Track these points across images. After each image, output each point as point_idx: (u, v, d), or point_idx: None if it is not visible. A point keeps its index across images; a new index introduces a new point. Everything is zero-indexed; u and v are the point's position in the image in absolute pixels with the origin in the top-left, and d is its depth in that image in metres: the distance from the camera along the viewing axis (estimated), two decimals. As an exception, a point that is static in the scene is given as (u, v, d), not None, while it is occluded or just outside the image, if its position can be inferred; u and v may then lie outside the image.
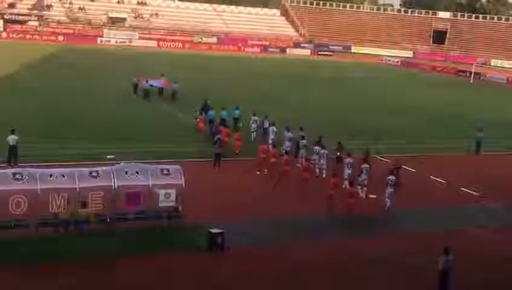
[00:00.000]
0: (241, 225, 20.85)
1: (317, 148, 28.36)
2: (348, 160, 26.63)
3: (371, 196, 23.65)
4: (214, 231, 18.83)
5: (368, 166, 25.56)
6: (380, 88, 66.10)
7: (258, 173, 27.67)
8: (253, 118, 35.35)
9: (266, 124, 34.57)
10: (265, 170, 27.68)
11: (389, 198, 23.62)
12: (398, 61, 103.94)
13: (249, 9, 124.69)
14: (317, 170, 27.95)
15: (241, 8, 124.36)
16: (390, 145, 35.14)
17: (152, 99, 45.83)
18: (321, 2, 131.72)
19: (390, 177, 24.11)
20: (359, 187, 24.78)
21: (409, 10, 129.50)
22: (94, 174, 19.64)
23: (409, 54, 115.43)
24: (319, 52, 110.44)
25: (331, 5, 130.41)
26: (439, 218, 23.61)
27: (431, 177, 29.21)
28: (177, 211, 20.47)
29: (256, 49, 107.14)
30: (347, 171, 26.18)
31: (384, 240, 20.82)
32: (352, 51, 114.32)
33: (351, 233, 21.40)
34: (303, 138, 29.92)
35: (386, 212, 23.41)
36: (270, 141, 30.86)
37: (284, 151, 28.62)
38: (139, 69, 57.16)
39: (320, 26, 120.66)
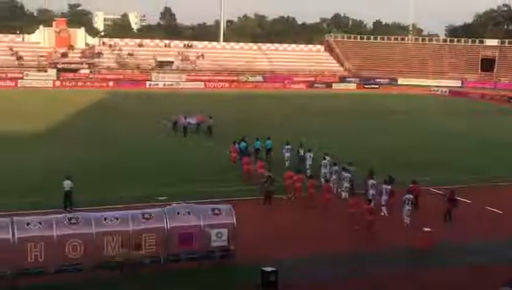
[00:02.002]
0: (295, 262, 20.69)
1: (371, 181, 28.48)
2: (371, 181, 27.95)
3: (426, 229, 23.18)
4: (267, 269, 18.73)
5: (389, 187, 27.20)
6: (429, 118, 65.23)
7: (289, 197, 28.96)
8: (286, 147, 36.61)
9: (301, 152, 35.67)
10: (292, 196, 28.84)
11: (407, 216, 25.44)
12: (446, 91, 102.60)
13: (293, 46, 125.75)
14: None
15: (285, 45, 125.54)
16: (446, 176, 34.54)
17: (192, 135, 47.32)
18: (365, 36, 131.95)
19: (407, 195, 25.80)
20: (383, 208, 26.81)
21: (455, 39, 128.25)
22: (147, 216, 19.91)
23: (457, 83, 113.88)
24: (365, 86, 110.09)
25: (375, 38, 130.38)
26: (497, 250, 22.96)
27: (487, 207, 28.50)
28: (230, 250, 20.49)
29: (301, 86, 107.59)
30: (371, 192, 27.63)
31: (449, 271, 20.33)
32: (399, 82, 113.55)
33: (409, 265, 20.98)
34: (346, 170, 30.03)
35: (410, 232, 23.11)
36: (307, 167, 32.91)
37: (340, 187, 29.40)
38: (186, 110, 58.04)
39: (365, 60, 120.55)
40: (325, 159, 31.81)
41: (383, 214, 26.90)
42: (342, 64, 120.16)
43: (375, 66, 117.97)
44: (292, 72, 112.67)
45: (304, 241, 23.24)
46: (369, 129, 54.75)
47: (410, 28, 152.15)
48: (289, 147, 36.69)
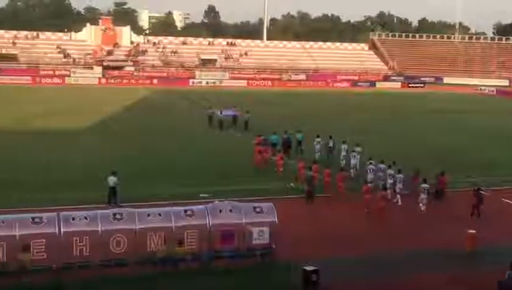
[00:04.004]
0: (336, 262, 20.56)
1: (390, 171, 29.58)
2: (400, 176, 29.01)
3: (470, 231, 22.73)
4: (308, 268, 18.65)
5: (401, 176, 28.77)
6: (477, 118, 63.95)
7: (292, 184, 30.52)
8: (317, 139, 38.06)
9: (331, 144, 37.40)
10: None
11: (422, 203, 27.13)
12: (493, 91, 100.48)
13: (337, 44, 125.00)
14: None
15: (329, 44, 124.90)
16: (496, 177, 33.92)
17: (227, 129, 48.72)
18: (410, 34, 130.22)
19: (424, 185, 27.41)
20: (398, 196, 28.42)
21: (503, 38, 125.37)
22: (189, 213, 20.06)
23: (505, 82, 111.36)
24: (410, 85, 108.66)
25: (420, 36, 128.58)
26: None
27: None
28: (271, 248, 20.48)
29: (345, 84, 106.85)
30: (398, 185, 28.84)
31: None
32: (444, 81, 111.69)
33: (455, 267, 20.62)
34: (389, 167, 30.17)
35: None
36: (341, 159, 35.14)
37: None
38: (222, 104, 58.57)
39: (410, 58, 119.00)
40: (371, 164, 31.30)
41: (395, 201, 28.31)
42: (386, 63, 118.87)
43: (420, 65, 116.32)
44: (335, 71, 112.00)
45: (346, 240, 23.07)
46: (415, 128, 54.07)
47: (457, 26, 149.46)
48: (319, 139, 38.11)
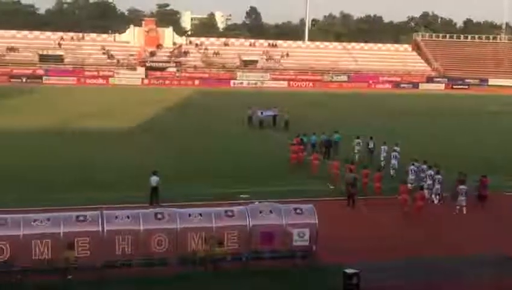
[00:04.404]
0: (377, 265, 20.35)
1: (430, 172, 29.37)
2: (439, 176, 28.70)
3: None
4: (349, 271, 18.52)
5: (440, 177, 28.60)
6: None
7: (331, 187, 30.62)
8: (356, 140, 38.01)
9: (371, 145, 37.40)
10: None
11: (461, 205, 26.87)
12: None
13: (379, 45, 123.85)
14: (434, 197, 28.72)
15: (371, 44, 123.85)
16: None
17: (267, 129, 49.45)
18: (454, 35, 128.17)
19: (462, 187, 27.14)
20: (436, 197, 28.47)
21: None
22: (229, 213, 20.16)
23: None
24: (454, 86, 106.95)
25: (465, 37, 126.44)
26: None
27: None
28: (311, 250, 20.41)
29: (387, 86, 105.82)
30: (436, 186, 28.65)
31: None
32: (489, 83, 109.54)
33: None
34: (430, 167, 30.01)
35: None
36: (381, 159, 35.35)
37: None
38: (261, 104, 58.78)
39: (454, 59, 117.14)
40: (413, 164, 31.03)
41: (433, 201, 28.29)
42: (429, 64, 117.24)
43: (465, 66, 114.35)
44: (377, 72, 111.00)
45: (385, 243, 22.81)
46: (462, 130, 53.24)
47: (503, 27, 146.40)
48: (359, 140, 38.08)
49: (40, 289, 17.95)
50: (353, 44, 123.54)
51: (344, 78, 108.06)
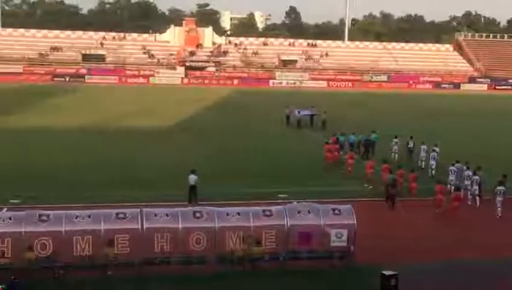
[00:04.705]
0: (416, 266, 20.14)
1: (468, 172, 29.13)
2: (476, 177, 28.38)
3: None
4: (387, 273, 18.36)
5: (477, 178, 28.18)
6: None
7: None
8: (394, 140, 37.82)
9: (411, 144, 37.29)
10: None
11: (498, 206, 26.35)
12: None
13: (420, 45, 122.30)
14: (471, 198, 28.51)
15: (412, 44, 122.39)
16: None
17: (304, 128, 49.82)
18: (498, 35, 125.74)
19: (500, 187, 26.53)
20: (476, 198, 28.09)
21: None
22: (267, 213, 20.19)
23: None
24: (497, 87, 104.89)
25: (509, 37, 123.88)
26: None
27: None
28: (349, 251, 20.31)
29: (427, 86, 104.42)
30: (474, 187, 28.30)
31: None
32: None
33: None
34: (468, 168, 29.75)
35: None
36: (422, 160, 35.10)
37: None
38: (299, 103, 58.77)
39: (497, 60, 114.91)
40: (453, 165, 30.69)
41: (470, 202, 28.10)
42: (471, 64, 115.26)
43: (509, 66, 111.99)
44: (418, 72, 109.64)
45: (423, 245, 22.55)
46: (504, 131, 52.24)
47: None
48: (397, 140, 37.81)
49: (81, 284, 18.29)
50: (393, 44, 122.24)
51: (384, 78, 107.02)
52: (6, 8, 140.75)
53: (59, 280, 18.45)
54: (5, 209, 23.32)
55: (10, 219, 18.83)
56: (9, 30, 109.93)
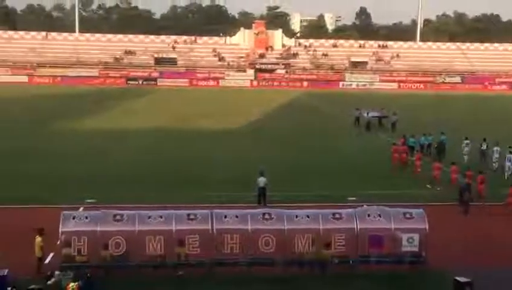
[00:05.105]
0: (490, 273, 19.51)
1: None
2: None
3: None
4: (461, 279, 17.88)
5: None
6: None
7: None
8: (465, 141, 37.02)
9: (484, 146, 36.39)
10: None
11: None
12: None
13: (496, 45, 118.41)
14: None
15: (487, 44, 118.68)
16: None
17: (374, 130, 49.50)
18: None
19: None
20: None
21: None
22: (337, 216, 20.05)
23: None
24: None
25: None
26: None
27: None
28: (421, 256, 19.91)
29: (504, 87, 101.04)
30: None
31: None
32: None
33: None
34: None
35: None
36: (494, 161, 34.40)
37: None
38: (368, 104, 58.09)
39: None
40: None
41: None
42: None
43: None
44: (493, 73, 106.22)
45: (498, 251, 21.83)
46: None
47: None
48: (467, 141, 37.11)
49: (153, 283, 18.68)
50: (468, 44, 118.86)
51: (457, 79, 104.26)
52: (84, 14, 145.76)
53: (133, 278, 18.90)
54: (82, 208, 24.17)
55: (86, 218, 19.48)
56: (87, 35, 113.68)
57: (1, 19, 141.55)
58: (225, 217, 19.76)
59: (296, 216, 19.97)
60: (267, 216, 19.85)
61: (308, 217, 19.99)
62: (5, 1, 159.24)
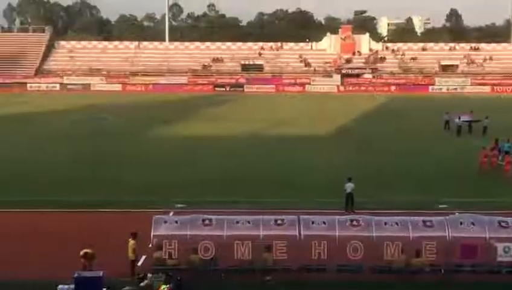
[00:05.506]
0: None
1: None
2: None
3: None
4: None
5: None
6: None
7: None
8: None
9: None
10: None
11: None
12: None
13: None
14: None
15: None
16: None
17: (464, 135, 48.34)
18: None
19: None
20: None
21: None
22: (428, 223, 19.55)
23: None
24: None
25: None
26: None
27: None
28: (518, 267, 19.08)
29: None
30: None
31: None
32: None
33: None
34: None
35: None
36: None
37: None
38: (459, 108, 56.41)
39: None
40: None
41: None
42: None
43: None
44: None
45: None
46: None
47: None
48: None
49: (241, 288, 18.86)
50: None
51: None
52: (174, 23, 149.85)
53: (221, 282, 19.16)
54: (172, 213, 24.77)
55: (177, 222, 19.93)
56: (176, 43, 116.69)
57: (97, 30, 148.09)
58: (312, 222, 19.68)
59: (385, 223, 19.61)
60: (355, 222, 19.62)
61: (397, 224, 19.59)
62: (100, 13, 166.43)
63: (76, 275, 17.24)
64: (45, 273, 18.94)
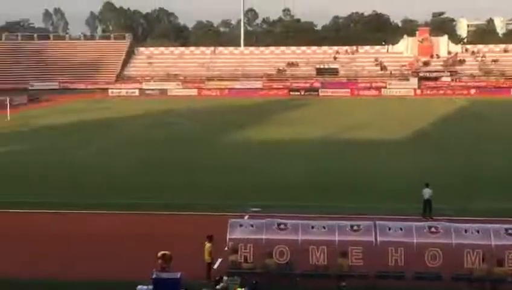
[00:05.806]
0: None
1: None
2: None
3: None
4: None
5: None
6: None
7: None
8: None
9: None
10: None
11: None
12: None
13: None
14: None
15: None
16: None
17: None
18: None
19: None
20: None
21: None
22: (511, 231, 18.84)
23: None
24: None
25: None
26: None
27: None
28: None
29: None
30: None
31: None
32: None
33: None
34: None
35: None
36: None
37: None
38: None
39: None
40: None
41: None
42: None
43: None
44: None
45: None
46: None
47: None
48: None
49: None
50: None
51: None
52: (249, 28, 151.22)
53: (296, 287, 19.13)
54: (247, 216, 24.95)
55: (252, 226, 20.05)
56: (251, 48, 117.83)
57: (174, 36, 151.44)
58: (389, 229, 19.34)
59: (466, 230, 19.03)
60: (433, 229, 19.15)
61: (478, 231, 18.97)
62: (178, 19, 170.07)
63: (154, 276, 17.63)
64: (124, 274, 19.52)
